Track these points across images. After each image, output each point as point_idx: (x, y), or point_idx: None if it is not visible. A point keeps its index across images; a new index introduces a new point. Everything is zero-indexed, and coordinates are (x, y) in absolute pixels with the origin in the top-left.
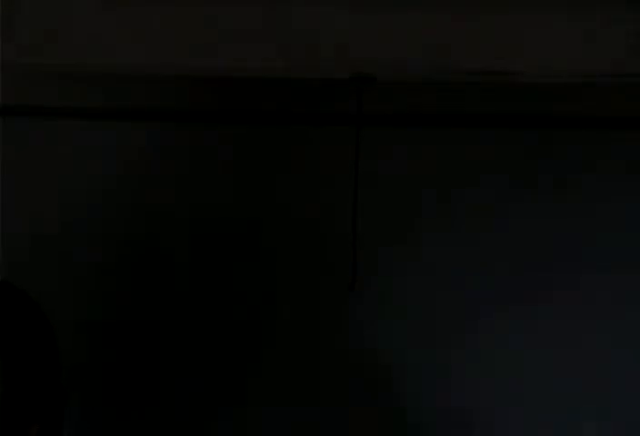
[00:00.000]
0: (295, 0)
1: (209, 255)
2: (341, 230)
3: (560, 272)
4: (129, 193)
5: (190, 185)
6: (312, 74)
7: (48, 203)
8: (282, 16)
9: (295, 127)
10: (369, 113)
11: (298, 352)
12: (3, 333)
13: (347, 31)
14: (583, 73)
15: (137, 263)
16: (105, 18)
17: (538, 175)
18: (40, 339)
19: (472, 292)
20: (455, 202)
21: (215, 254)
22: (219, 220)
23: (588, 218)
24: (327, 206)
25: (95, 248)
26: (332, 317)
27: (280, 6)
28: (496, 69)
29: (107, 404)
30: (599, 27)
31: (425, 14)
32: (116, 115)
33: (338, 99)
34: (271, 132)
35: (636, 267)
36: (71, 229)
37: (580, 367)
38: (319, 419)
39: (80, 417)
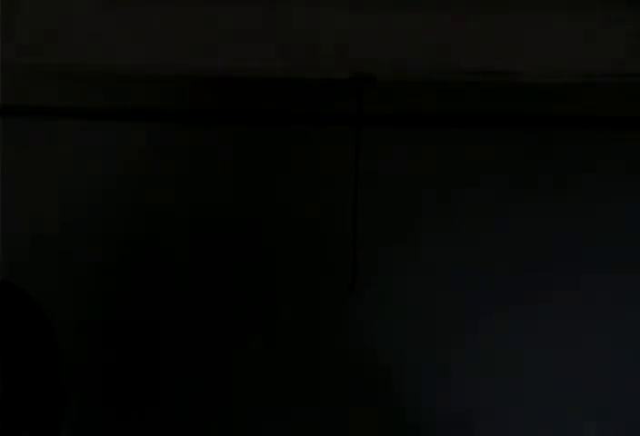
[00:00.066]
0: (294, 0)
1: (209, 255)
2: (341, 230)
3: (560, 272)
4: (129, 193)
5: (190, 185)
6: (312, 74)
7: (48, 203)
8: (282, 16)
9: (295, 127)
10: (369, 113)
11: (298, 352)
12: (3, 333)
13: (347, 31)
14: (583, 73)
15: (137, 263)
16: (105, 18)
17: (538, 175)
18: (40, 339)
19: (472, 292)
20: (455, 202)
21: (215, 254)
22: (219, 220)
23: (588, 218)
24: (327, 206)
25: (95, 248)
26: (332, 317)
27: (280, 6)
28: (496, 69)
29: (107, 404)
30: (599, 27)
31: (425, 14)
32: (116, 115)
33: (338, 99)
34: (271, 132)
35: (636, 267)
36: (71, 229)
37: (580, 367)
38: (319, 419)
39: (80, 417)
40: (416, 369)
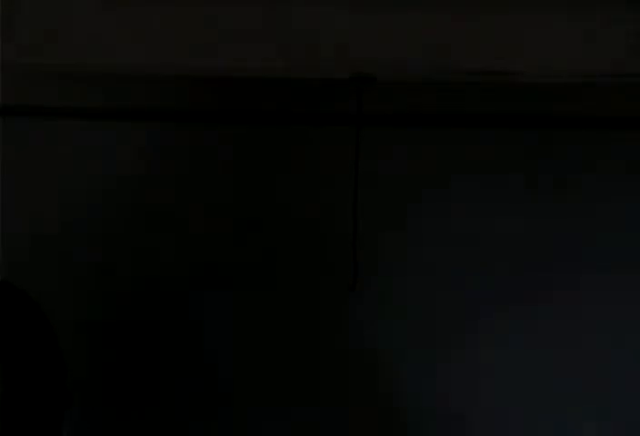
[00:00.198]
0: (294, 0)
1: (209, 255)
2: (341, 230)
3: (560, 272)
4: (129, 193)
5: (190, 185)
6: (312, 74)
7: (48, 203)
8: (282, 16)
9: (295, 127)
10: (369, 113)
11: (298, 352)
12: (3, 333)
13: (347, 31)
14: (583, 73)
15: (137, 263)
16: (105, 18)
17: (538, 175)
18: (40, 339)
19: (472, 292)
20: (455, 202)
21: (215, 254)
22: (219, 220)
23: (588, 218)
24: (327, 206)
25: (95, 248)
26: (332, 317)
27: (280, 6)
28: (496, 69)
29: (107, 404)
30: (599, 27)
31: (425, 14)
32: (116, 115)
33: (338, 99)
34: (271, 132)
35: (636, 267)
36: (71, 229)
37: (580, 367)
38: (319, 419)
39: (80, 417)
40: (416, 369)
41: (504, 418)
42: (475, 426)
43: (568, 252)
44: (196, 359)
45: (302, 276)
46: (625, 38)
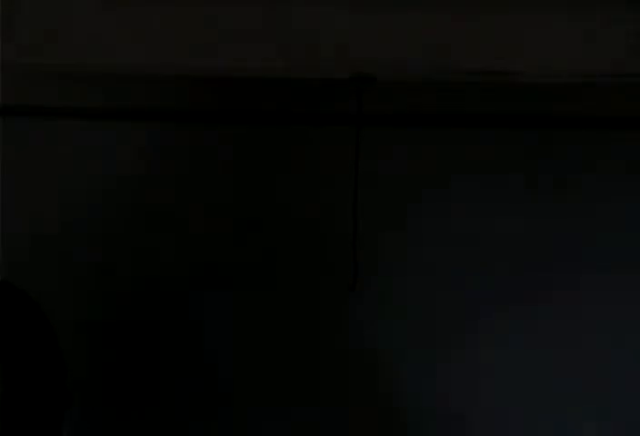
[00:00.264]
0: (294, 0)
1: (209, 255)
2: (341, 230)
3: (560, 272)
4: (129, 193)
5: (190, 185)
6: (312, 74)
7: (48, 203)
8: (282, 16)
9: (295, 127)
10: (369, 113)
11: (298, 352)
12: (3, 333)
13: (347, 31)
14: (583, 73)
15: (137, 263)
16: (105, 18)
17: (538, 175)
18: (40, 339)
19: (472, 292)
20: (455, 202)
21: (215, 254)
22: (219, 220)
23: (588, 218)
24: (327, 206)
25: (95, 248)
26: (332, 317)
27: (280, 6)
28: (496, 69)
29: (107, 404)
30: (599, 27)
31: (425, 14)
32: (116, 115)
33: (338, 99)
34: (271, 132)
35: (636, 267)
36: (71, 229)
37: (580, 367)
38: (319, 419)
39: (80, 417)
40: (416, 369)
41: (504, 418)
42: (475, 426)
43: (568, 252)
44: (196, 359)
45: (302, 276)
46: (624, 38)
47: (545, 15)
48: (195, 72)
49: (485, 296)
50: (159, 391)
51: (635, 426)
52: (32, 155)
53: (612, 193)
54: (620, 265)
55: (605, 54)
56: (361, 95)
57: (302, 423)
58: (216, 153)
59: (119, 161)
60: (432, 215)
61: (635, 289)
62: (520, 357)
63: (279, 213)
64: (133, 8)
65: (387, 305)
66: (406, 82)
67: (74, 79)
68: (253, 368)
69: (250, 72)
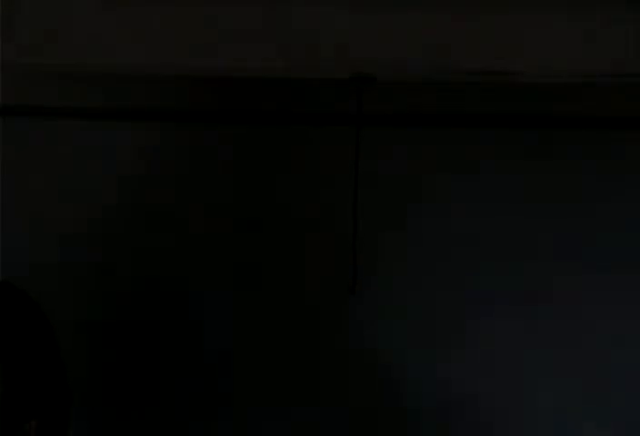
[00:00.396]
0: (294, 0)
1: (209, 255)
2: (341, 230)
3: (560, 272)
4: (129, 193)
5: (190, 185)
6: (312, 74)
7: (48, 203)
8: (282, 16)
9: (295, 127)
10: (369, 113)
11: (298, 352)
12: (3, 333)
13: (347, 31)
14: (583, 73)
15: (137, 263)
16: (105, 18)
17: (538, 175)
18: (40, 339)
19: (472, 292)
20: (455, 202)
21: (215, 254)
22: (219, 220)
23: (588, 218)
24: (327, 206)
25: (95, 248)
26: (332, 317)
27: (280, 6)
28: (496, 69)
29: (107, 404)
30: (599, 27)
31: (425, 14)
32: (116, 115)
33: (338, 99)
34: (271, 132)
35: (636, 267)
36: (71, 229)
37: (580, 367)
38: (319, 419)
39: (80, 417)
40: (416, 369)
41: (504, 418)
42: (475, 426)
43: (568, 252)
44: (196, 359)
45: (302, 276)
46: (624, 38)
47: (545, 15)
48: (195, 72)
49: (485, 296)
50: (159, 391)
51: (635, 426)
52: (32, 155)
53: (612, 193)
54: (620, 265)
55: (605, 54)
56: (361, 95)
57: (302, 423)
58: (216, 153)
59: (119, 161)
60: (432, 215)
61: (634, 289)
62: (520, 357)
63: (279, 213)
64: (133, 8)
65: (387, 305)
66: (406, 82)
67: (74, 79)
68: (253, 368)
69: (250, 72)
